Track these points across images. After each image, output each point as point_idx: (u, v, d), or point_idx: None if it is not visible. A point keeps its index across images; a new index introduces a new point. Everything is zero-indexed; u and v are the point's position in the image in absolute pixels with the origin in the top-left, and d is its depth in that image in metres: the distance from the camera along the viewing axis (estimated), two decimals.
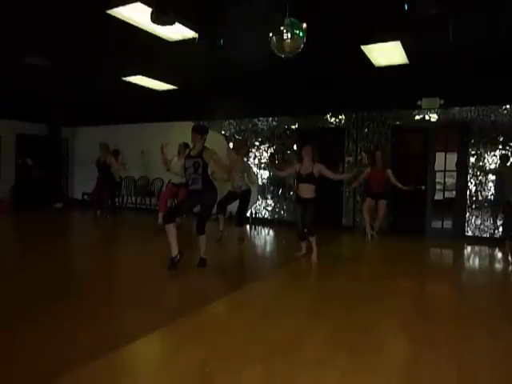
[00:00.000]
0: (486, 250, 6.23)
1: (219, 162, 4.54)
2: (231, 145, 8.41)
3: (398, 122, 7.45)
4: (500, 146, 6.63)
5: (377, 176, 6.67)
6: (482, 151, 6.76)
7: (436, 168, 7.37)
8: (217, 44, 4.88)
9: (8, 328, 2.74)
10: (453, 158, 7.28)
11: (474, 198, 6.87)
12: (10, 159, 10.24)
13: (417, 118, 7.26)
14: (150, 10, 4.38)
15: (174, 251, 4.33)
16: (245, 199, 6.28)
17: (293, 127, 8.41)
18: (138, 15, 4.81)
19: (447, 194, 7.62)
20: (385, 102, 7.40)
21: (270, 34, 3.94)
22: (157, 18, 4.29)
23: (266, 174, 8.75)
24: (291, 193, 8.36)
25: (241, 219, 6.40)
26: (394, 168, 7.52)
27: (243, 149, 6.53)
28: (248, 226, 8.20)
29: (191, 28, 5.15)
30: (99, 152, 7.67)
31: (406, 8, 3.74)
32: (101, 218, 7.73)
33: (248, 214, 8.80)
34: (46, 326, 2.76)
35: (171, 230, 4.28)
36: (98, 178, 7.68)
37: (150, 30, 5.25)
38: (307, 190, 5.00)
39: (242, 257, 5.58)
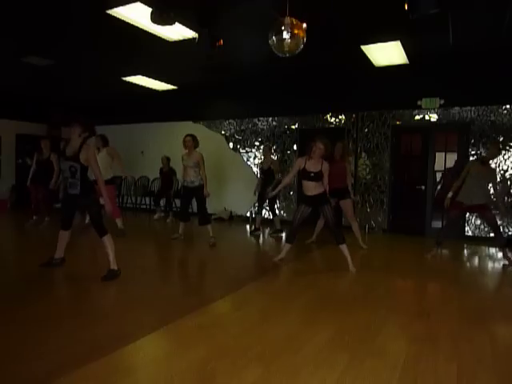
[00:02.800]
0: (485, 250, 6.23)
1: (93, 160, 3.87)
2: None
3: (398, 122, 7.45)
4: (500, 146, 6.62)
5: (336, 168, 5.35)
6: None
7: (436, 168, 7.38)
8: (216, 44, 4.88)
9: (8, 328, 2.74)
10: (453, 158, 7.29)
11: None
12: (9, 159, 10.25)
13: (417, 118, 7.26)
14: (150, 10, 4.39)
15: (60, 253, 4.24)
16: (199, 196, 5.87)
17: (293, 127, 8.42)
18: (138, 15, 4.82)
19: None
20: (385, 101, 7.40)
21: (270, 34, 3.93)
22: (157, 18, 4.30)
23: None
24: (291, 192, 8.37)
25: (203, 217, 5.94)
26: (395, 168, 7.57)
27: (188, 141, 5.87)
28: (248, 226, 8.20)
29: (191, 28, 5.16)
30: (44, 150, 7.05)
31: (406, 8, 3.75)
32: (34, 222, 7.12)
33: (248, 214, 8.82)
34: (46, 327, 2.76)
35: (66, 236, 4.20)
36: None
37: (150, 30, 5.26)
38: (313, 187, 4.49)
39: (241, 257, 5.57)
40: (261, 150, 8.76)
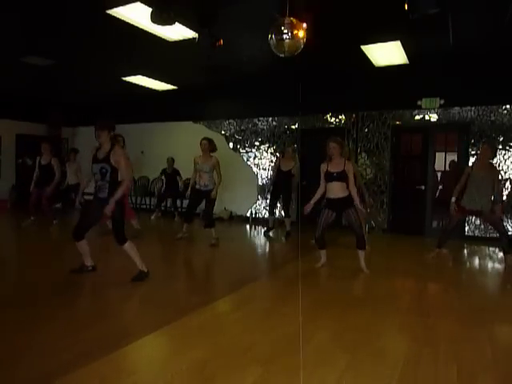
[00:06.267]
0: (485, 250, 6.23)
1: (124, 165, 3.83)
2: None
3: (398, 122, 7.45)
4: (500, 146, 6.63)
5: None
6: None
7: (436, 168, 7.38)
8: (216, 44, 4.88)
9: (11, 328, 2.74)
10: (453, 158, 7.29)
11: None
12: (10, 159, 10.25)
13: (417, 117, 7.26)
14: (150, 10, 4.39)
15: (87, 261, 4.15)
16: (209, 199, 5.84)
17: (293, 127, 8.41)
18: (138, 15, 4.82)
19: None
20: (385, 101, 7.40)
21: (270, 34, 3.93)
22: (157, 18, 4.30)
23: (265, 174, 8.74)
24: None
25: (209, 220, 5.96)
26: (395, 168, 7.57)
27: (204, 145, 5.84)
28: (248, 226, 8.20)
29: (191, 28, 5.16)
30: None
31: (406, 8, 3.75)
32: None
33: (248, 214, 8.82)
34: (47, 326, 2.77)
35: (83, 247, 4.02)
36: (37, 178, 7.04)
37: (150, 30, 5.26)
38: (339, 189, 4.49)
39: (241, 257, 5.57)
40: (261, 150, 8.76)
